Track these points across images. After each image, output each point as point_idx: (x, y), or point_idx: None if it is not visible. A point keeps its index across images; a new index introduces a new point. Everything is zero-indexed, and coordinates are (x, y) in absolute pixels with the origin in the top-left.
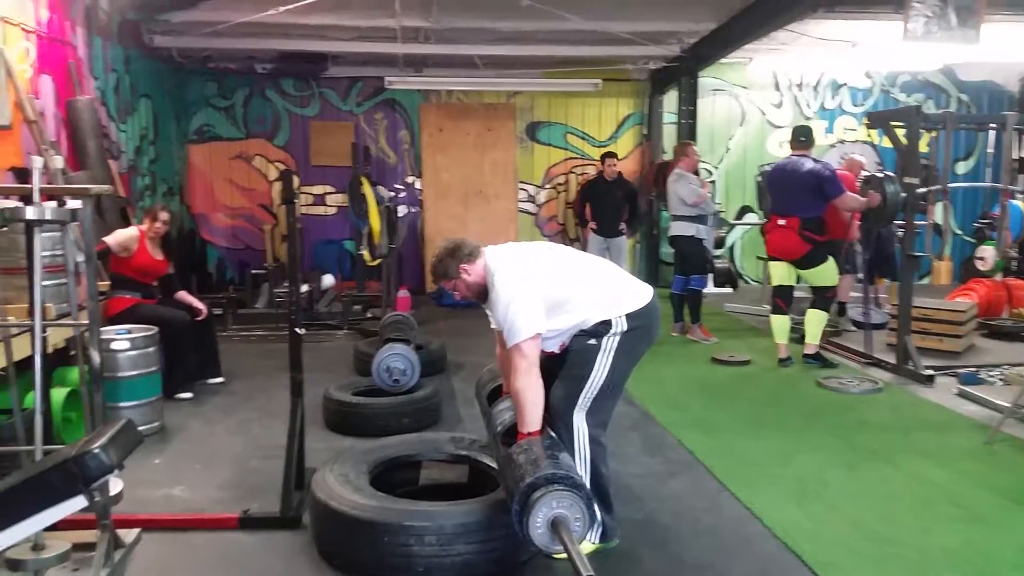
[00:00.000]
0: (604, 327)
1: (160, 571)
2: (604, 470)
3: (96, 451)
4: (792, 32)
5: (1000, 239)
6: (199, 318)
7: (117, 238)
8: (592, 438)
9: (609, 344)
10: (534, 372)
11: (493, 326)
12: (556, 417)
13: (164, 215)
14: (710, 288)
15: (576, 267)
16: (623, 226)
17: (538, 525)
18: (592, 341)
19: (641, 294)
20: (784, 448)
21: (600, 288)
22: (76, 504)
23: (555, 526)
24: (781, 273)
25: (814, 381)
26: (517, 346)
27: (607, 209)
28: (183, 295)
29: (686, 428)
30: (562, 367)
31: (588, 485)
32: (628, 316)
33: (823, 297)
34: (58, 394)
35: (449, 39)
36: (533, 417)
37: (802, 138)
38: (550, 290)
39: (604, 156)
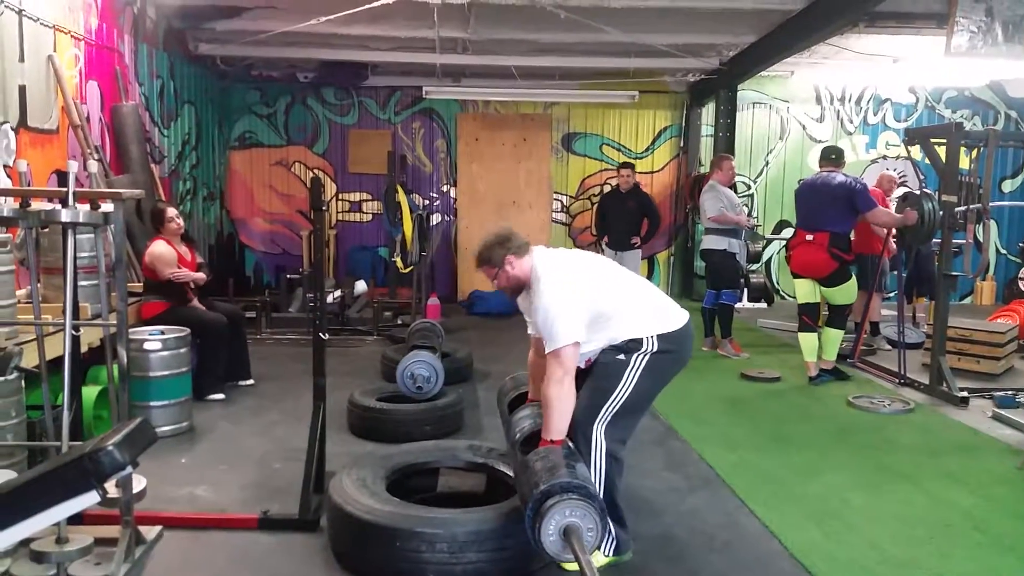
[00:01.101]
0: (635, 344)
1: (179, 568)
2: (618, 484)
3: (110, 448)
4: (833, 46)
5: None
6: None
7: (164, 261)
8: (609, 452)
9: (638, 362)
10: (567, 381)
11: (530, 331)
12: (576, 427)
13: (171, 211)
14: (744, 303)
15: (620, 282)
16: (636, 239)
17: (550, 533)
18: (621, 356)
19: (676, 317)
20: (808, 466)
21: (638, 305)
22: (89, 499)
23: (567, 534)
24: (805, 291)
25: (844, 400)
26: (555, 352)
27: (620, 222)
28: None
29: (709, 443)
30: (587, 378)
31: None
32: (660, 337)
33: (840, 315)
34: (90, 392)
35: (487, 50)
36: (559, 426)
37: (832, 156)
38: (593, 303)
39: (620, 166)
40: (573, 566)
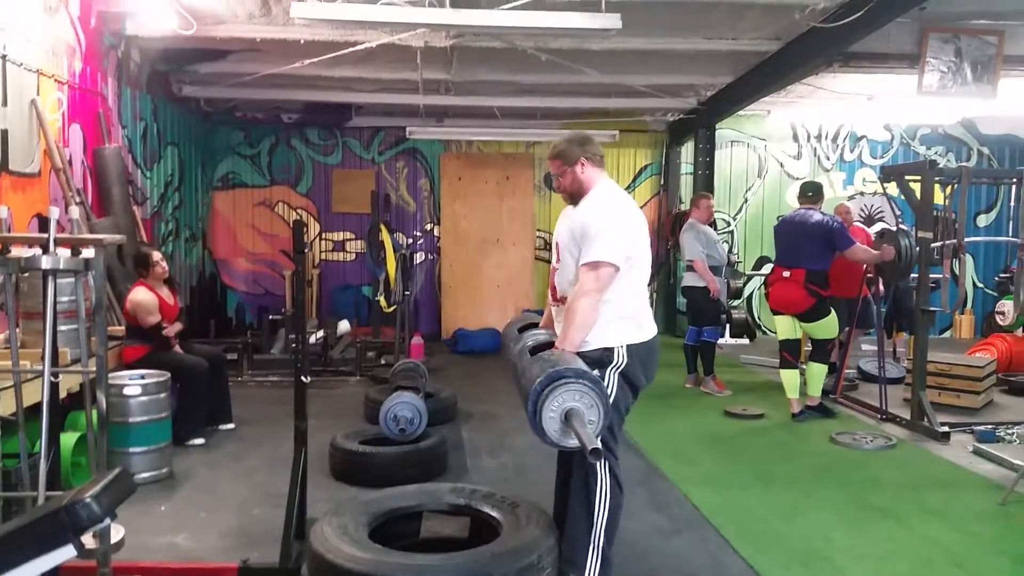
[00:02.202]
0: (608, 357)
1: None
2: (612, 540)
3: (87, 500)
4: (809, 85)
5: (1018, 294)
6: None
7: (145, 309)
8: (612, 472)
9: (611, 379)
10: (595, 299)
11: (553, 263)
12: (584, 461)
13: (156, 255)
14: (726, 339)
15: (643, 269)
16: None
17: (552, 414)
18: (595, 372)
19: (650, 327)
20: (792, 505)
21: (635, 303)
22: (66, 553)
23: (568, 418)
24: (785, 327)
25: (826, 436)
26: (594, 264)
27: None
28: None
29: (694, 483)
30: None
31: (605, 525)
32: (628, 347)
33: (823, 350)
34: (68, 439)
35: (469, 91)
36: (576, 338)
37: (810, 193)
38: (627, 254)
39: None
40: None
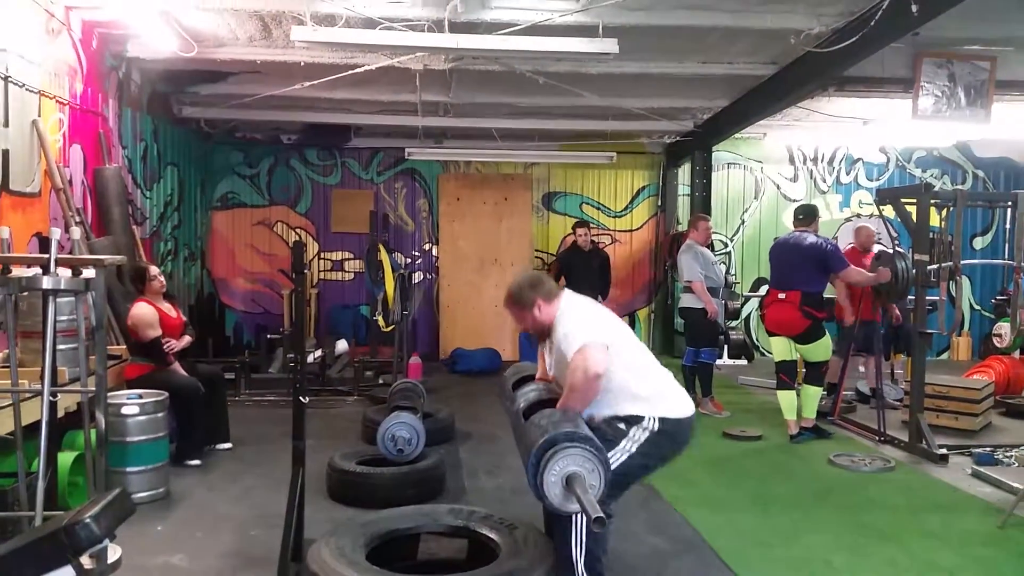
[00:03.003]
0: (636, 419)
1: None
2: (600, 555)
3: (87, 521)
4: (804, 109)
5: (1014, 316)
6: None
7: (145, 323)
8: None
9: (637, 435)
10: (594, 378)
11: (550, 372)
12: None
13: (153, 270)
14: (724, 360)
15: (636, 350)
16: (599, 297)
17: (553, 480)
18: (621, 425)
19: (682, 405)
20: (791, 527)
21: (648, 381)
22: (64, 574)
23: (569, 482)
24: (781, 348)
25: (825, 458)
26: (580, 349)
27: (584, 280)
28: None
29: (693, 505)
30: None
31: (583, 561)
32: (662, 420)
33: (817, 372)
34: (65, 458)
35: (467, 113)
36: (575, 406)
37: (800, 216)
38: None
39: (576, 225)
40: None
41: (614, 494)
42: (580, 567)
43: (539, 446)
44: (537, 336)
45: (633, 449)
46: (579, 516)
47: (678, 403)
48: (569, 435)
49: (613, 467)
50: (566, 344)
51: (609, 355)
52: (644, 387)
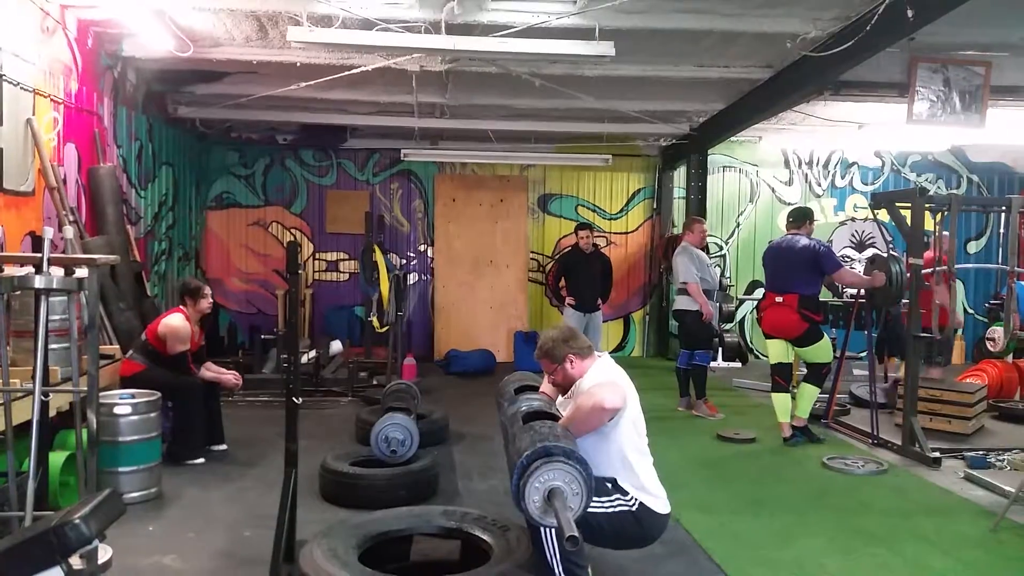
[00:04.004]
0: (621, 491)
1: None
2: (580, 562)
3: (76, 522)
4: (800, 113)
5: (1008, 320)
6: (232, 387)
7: (178, 337)
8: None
9: (615, 501)
10: (599, 404)
11: (560, 402)
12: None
13: (207, 291)
14: (719, 363)
15: (642, 435)
16: (599, 300)
17: (535, 494)
18: (608, 484)
19: (662, 502)
20: (784, 530)
21: (642, 468)
22: (53, 574)
23: (551, 497)
24: (778, 351)
25: (818, 461)
26: (599, 385)
27: (586, 283)
28: (210, 367)
29: (686, 507)
30: None
31: (561, 568)
32: (642, 506)
33: (818, 373)
34: (57, 458)
35: (464, 114)
36: (577, 427)
37: (790, 218)
38: (625, 419)
39: (579, 227)
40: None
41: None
42: (558, 571)
43: (533, 451)
44: (561, 391)
45: (607, 509)
46: (549, 531)
47: (660, 499)
48: (566, 451)
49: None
50: (584, 385)
51: (618, 418)
52: (637, 470)
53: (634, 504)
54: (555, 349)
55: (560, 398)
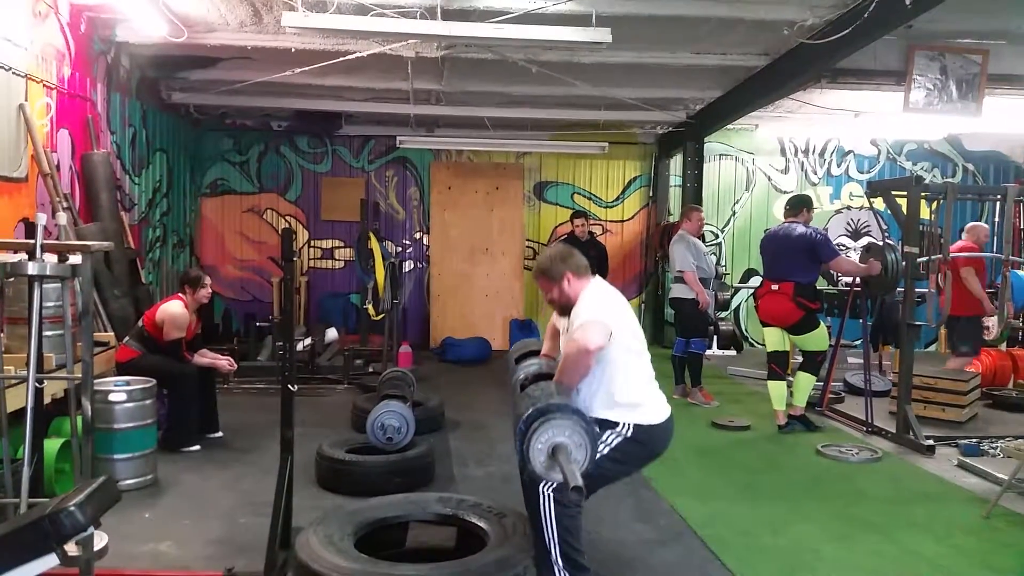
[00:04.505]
0: (610, 425)
1: None
2: (574, 531)
3: (71, 509)
4: (796, 101)
5: (1002, 309)
6: (227, 372)
7: (176, 324)
8: (558, 503)
9: (610, 439)
10: (587, 352)
11: (563, 340)
12: (530, 485)
13: (207, 282)
14: (714, 351)
15: (635, 352)
16: None
17: (539, 448)
18: (596, 428)
19: (659, 411)
20: (779, 517)
21: (631, 387)
22: (48, 562)
23: (555, 451)
24: (774, 339)
25: (813, 448)
26: (581, 324)
27: None
28: (205, 353)
29: (680, 494)
30: None
31: (558, 551)
32: (636, 427)
33: (813, 361)
34: (52, 445)
35: (460, 101)
36: (565, 382)
37: (788, 206)
38: (617, 338)
39: (574, 216)
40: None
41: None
42: (556, 555)
43: (529, 415)
44: (559, 311)
45: (605, 452)
46: (549, 504)
47: (653, 407)
48: (560, 407)
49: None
50: (576, 321)
51: (609, 342)
52: (627, 391)
53: (628, 429)
54: (552, 268)
55: (563, 328)
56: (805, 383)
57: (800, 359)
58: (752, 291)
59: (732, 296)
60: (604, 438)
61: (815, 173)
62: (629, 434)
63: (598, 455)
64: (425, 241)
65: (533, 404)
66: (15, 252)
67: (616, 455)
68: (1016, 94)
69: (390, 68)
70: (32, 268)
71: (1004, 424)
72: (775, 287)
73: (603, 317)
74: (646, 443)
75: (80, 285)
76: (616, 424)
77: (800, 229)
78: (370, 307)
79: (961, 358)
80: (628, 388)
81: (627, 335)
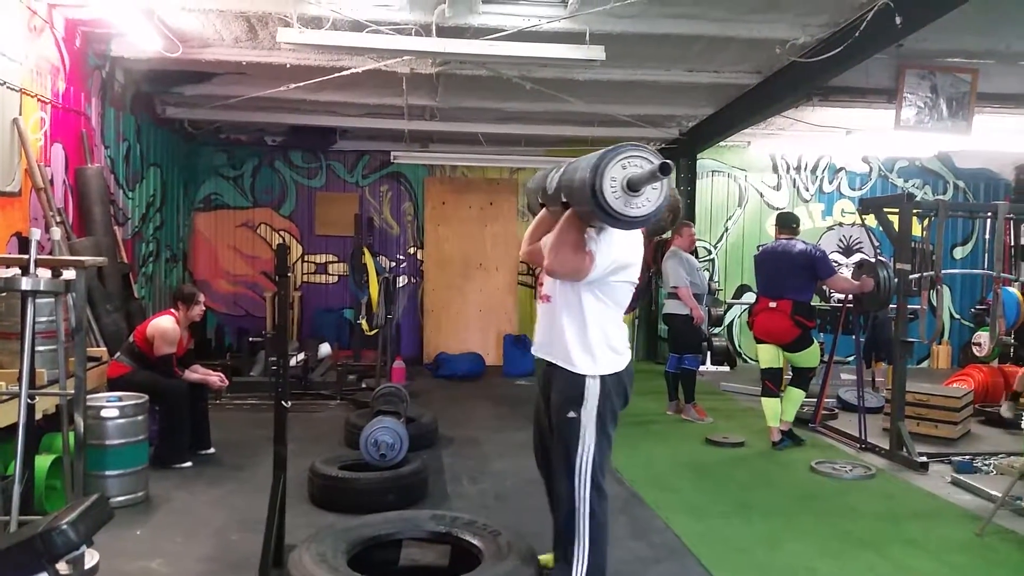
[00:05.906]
0: (578, 394)
1: None
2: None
3: (64, 528)
4: (788, 118)
5: (993, 326)
6: (218, 388)
7: (167, 339)
8: (591, 503)
9: (587, 415)
10: (582, 253)
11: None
12: (561, 501)
13: (201, 299)
14: (707, 367)
15: (626, 289)
16: None
17: (614, 186)
18: (572, 415)
19: (623, 356)
20: (773, 534)
21: (613, 326)
22: None
23: (630, 184)
24: (769, 356)
25: (806, 465)
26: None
27: None
28: (196, 369)
29: (674, 511)
30: (554, 443)
31: (588, 550)
32: (602, 378)
33: (804, 378)
34: (43, 461)
35: (454, 117)
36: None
37: (781, 224)
38: (616, 271)
39: None
40: None
41: (604, 452)
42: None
43: (593, 165)
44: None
45: (593, 427)
46: (582, 508)
47: (620, 354)
48: (616, 148)
49: (589, 451)
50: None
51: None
52: (607, 333)
53: (596, 387)
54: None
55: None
56: (795, 398)
57: (791, 375)
58: (747, 307)
59: (725, 312)
60: (583, 419)
61: (807, 190)
62: (597, 391)
63: (591, 431)
64: (419, 256)
65: (593, 157)
66: (8, 267)
67: (600, 414)
68: (1006, 112)
69: (385, 84)
70: (26, 283)
71: (997, 441)
72: (773, 304)
73: (605, 246)
74: (615, 388)
75: (74, 300)
76: (583, 390)
77: (800, 246)
78: (364, 322)
79: None
80: (610, 329)
81: (623, 271)
